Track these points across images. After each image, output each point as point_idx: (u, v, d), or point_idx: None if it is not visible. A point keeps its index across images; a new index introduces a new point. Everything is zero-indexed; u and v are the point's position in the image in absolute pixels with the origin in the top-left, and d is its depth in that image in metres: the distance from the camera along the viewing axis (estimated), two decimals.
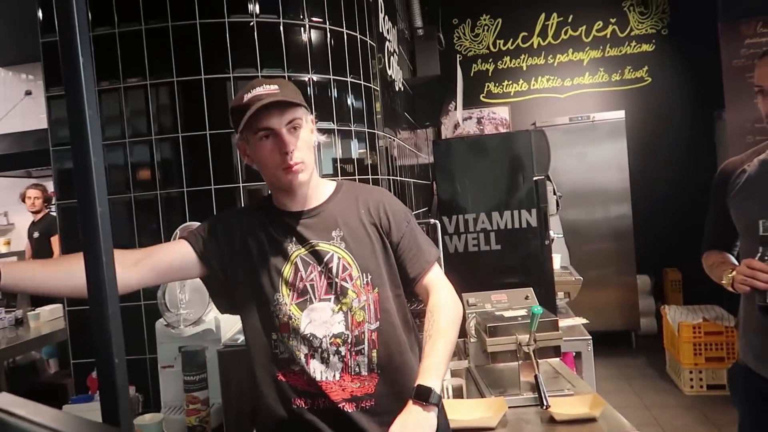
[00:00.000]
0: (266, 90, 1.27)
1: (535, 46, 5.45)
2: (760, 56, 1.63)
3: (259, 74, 2.17)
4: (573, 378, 1.89)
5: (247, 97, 1.26)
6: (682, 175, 5.06)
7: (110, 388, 0.57)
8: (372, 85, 2.58)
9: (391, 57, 3.04)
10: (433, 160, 2.64)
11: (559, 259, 2.89)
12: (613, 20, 5.29)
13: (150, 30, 2.15)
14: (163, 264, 1.29)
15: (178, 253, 1.31)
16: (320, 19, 2.34)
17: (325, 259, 1.32)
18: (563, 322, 1.92)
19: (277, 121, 1.25)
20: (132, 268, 1.23)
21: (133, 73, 2.18)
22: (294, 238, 1.33)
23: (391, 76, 3.02)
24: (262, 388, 1.31)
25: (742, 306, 1.71)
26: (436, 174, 2.64)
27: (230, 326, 1.81)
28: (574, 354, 2.41)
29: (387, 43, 2.92)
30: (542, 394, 1.60)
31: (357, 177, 2.42)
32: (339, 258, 1.32)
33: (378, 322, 1.33)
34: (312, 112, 2.26)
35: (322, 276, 1.31)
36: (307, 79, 2.27)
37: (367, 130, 2.51)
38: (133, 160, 2.19)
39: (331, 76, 2.34)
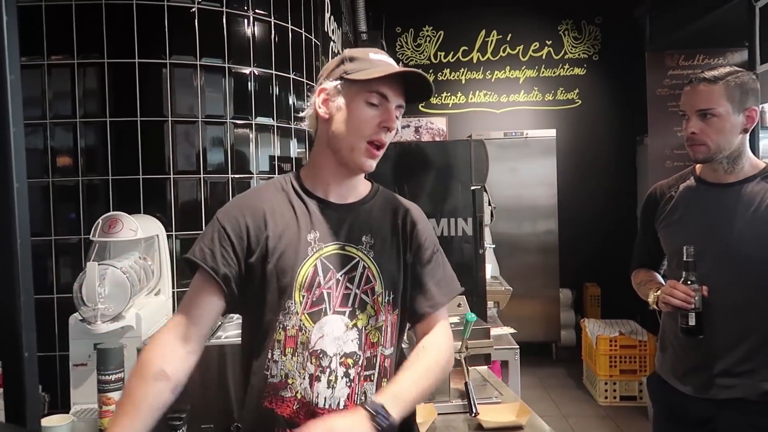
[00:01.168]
0: (389, 60, 1.18)
1: (475, 60, 5.57)
2: (684, 86, 1.71)
3: (198, 63, 2.09)
4: (500, 386, 1.92)
5: (380, 56, 1.17)
6: (606, 195, 5.31)
7: (17, 384, 0.51)
8: (315, 84, 2.54)
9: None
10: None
11: (490, 269, 2.94)
12: (549, 42, 5.48)
13: (81, 5, 2.02)
14: (208, 330, 1.15)
15: (214, 311, 1.13)
16: (265, 12, 2.28)
17: (349, 266, 1.17)
18: (492, 331, 1.94)
19: (396, 96, 1.15)
20: (188, 356, 1.10)
21: (60, 50, 2.03)
22: (320, 234, 1.16)
23: None
24: (244, 412, 1.17)
25: (664, 323, 1.79)
26: (373, 179, 2.63)
27: (153, 323, 1.71)
28: (500, 362, 2.45)
29: (332, 43, 2.89)
30: (472, 402, 1.61)
31: None
32: (365, 267, 1.18)
33: (392, 348, 1.21)
34: (252, 107, 2.22)
35: (340, 284, 1.16)
36: (248, 72, 2.21)
37: (307, 129, 2.47)
38: (54, 144, 2.04)
39: (274, 72, 2.29)
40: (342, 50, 3.32)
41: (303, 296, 1.13)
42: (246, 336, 1.20)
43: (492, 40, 5.54)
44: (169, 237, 2.00)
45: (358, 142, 1.13)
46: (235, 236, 1.13)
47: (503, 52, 5.53)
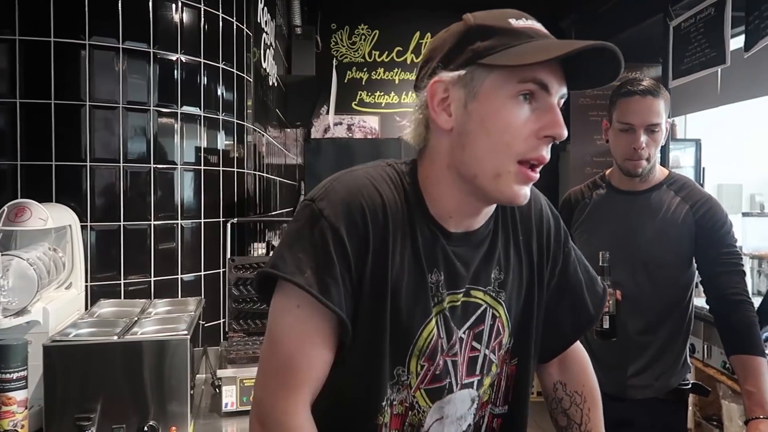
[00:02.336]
0: (541, 28, 0.81)
1: (409, 61, 5.62)
2: (621, 95, 1.65)
3: (120, 46, 1.99)
4: None
5: (523, 21, 0.79)
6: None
7: None
8: (245, 76, 2.48)
9: (267, 50, 2.95)
10: (303, 159, 2.60)
11: None
12: None
13: None
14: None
15: (327, 363, 0.81)
16: None
17: (475, 317, 0.87)
18: None
19: (560, 83, 0.78)
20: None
21: None
22: (444, 278, 0.84)
23: (265, 69, 2.93)
24: None
25: None
26: (305, 173, 2.60)
27: (62, 318, 1.61)
28: None
29: (264, 35, 2.84)
30: None
31: (221, 169, 2.31)
32: (494, 316, 0.89)
33: (507, 407, 0.94)
34: (178, 96, 2.14)
35: (465, 345, 0.87)
36: (174, 59, 2.12)
37: (236, 121, 2.41)
38: None
39: (202, 60, 2.21)
40: (275, 43, 3.26)
41: (421, 367, 0.84)
42: (323, 404, 0.82)
43: (426, 43, 5.61)
44: (83, 228, 1.89)
45: (506, 162, 0.77)
46: (355, 253, 0.78)
47: None
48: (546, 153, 0.78)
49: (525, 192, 0.80)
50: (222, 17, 2.31)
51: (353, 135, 5.55)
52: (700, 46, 2.77)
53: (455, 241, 0.85)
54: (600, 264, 1.63)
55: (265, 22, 2.87)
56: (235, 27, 2.39)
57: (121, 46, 1.98)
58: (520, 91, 0.76)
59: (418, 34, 5.61)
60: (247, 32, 2.50)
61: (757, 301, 1.86)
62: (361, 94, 5.61)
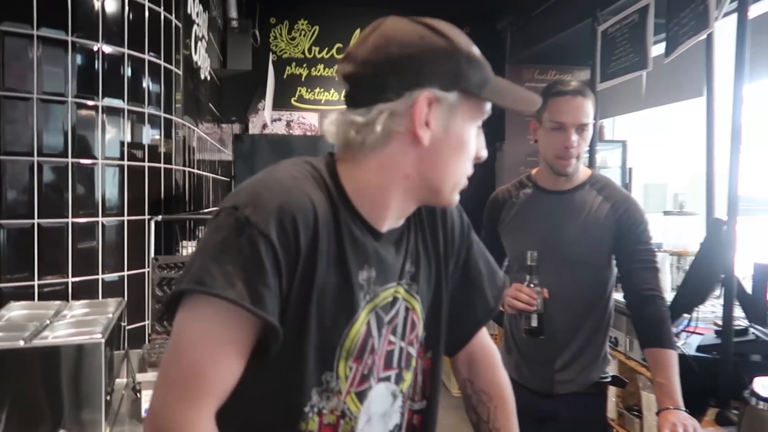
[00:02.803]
0: None
1: None
2: (552, 94, 1.68)
3: (35, 33, 1.88)
4: None
5: (479, 52, 0.85)
6: (469, 198, 5.56)
7: None
8: (173, 68, 2.40)
9: (199, 42, 2.87)
10: (233, 155, 2.54)
11: None
12: None
13: None
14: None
15: (236, 375, 0.77)
16: None
17: (394, 311, 0.88)
18: None
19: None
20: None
21: None
22: (375, 274, 0.85)
23: (197, 62, 2.84)
24: None
25: (507, 325, 1.89)
26: (236, 170, 2.54)
27: None
28: None
29: (195, 26, 2.75)
30: None
31: (147, 165, 2.22)
32: (408, 309, 0.90)
33: (425, 402, 0.96)
34: (99, 87, 2.04)
35: (385, 338, 0.87)
36: (96, 48, 2.02)
37: (163, 115, 2.32)
38: None
39: (126, 50, 2.12)
40: (207, 35, 3.17)
41: (350, 369, 0.82)
42: (243, 411, 0.80)
43: None
44: None
45: (464, 178, 0.87)
46: (286, 259, 0.75)
47: None
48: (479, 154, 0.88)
49: (457, 199, 0.89)
50: (148, 6, 2.22)
51: (292, 131, 5.48)
52: (625, 50, 2.88)
53: (382, 239, 0.86)
54: (528, 263, 1.65)
55: (197, 13, 2.78)
56: (162, 17, 2.31)
57: (35, 32, 1.88)
58: (479, 123, 0.86)
59: (358, 30, 5.58)
60: (176, 23, 2.42)
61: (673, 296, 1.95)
62: (300, 90, 5.54)
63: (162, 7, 2.30)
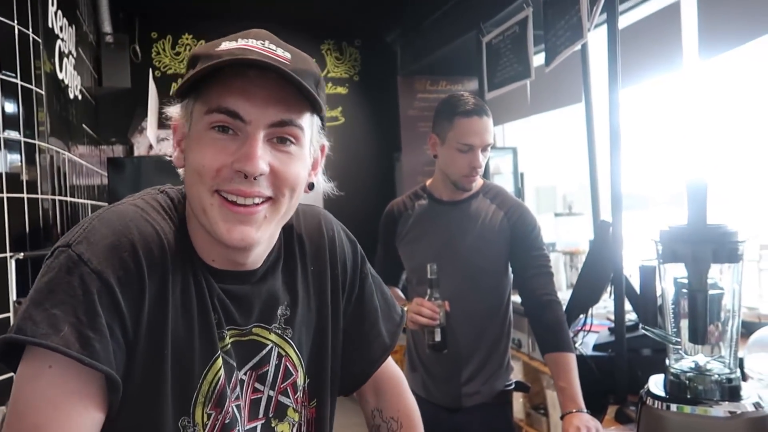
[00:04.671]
0: (263, 47, 0.71)
1: None
2: (459, 114, 1.65)
3: None
4: None
5: (225, 46, 0.71)
6: (367, 209, 5.56)
7: None
8: (34, 87, 2.16)
9: (65, 59, 2.62)
10: (109, 181, 2.33)
11: None
12: (312, 60, 5.59)
13: None
14: None
15: (94, 428, 0.67)
16: None
17: (259, 358, 0.81)
18: None
19: (260, 110, 0.70)
20: None
21: None
22: (221, 317, 0.77)
23: (64, 80, 2.60)
24: None
25: (411, 341, 1.85)
26: (110, 196, 2.33)
27: None
28: None
29: (59, 42, 2.51)
30: None
31: (5, 196, 1.97)
32: (281, 355, 0.83)
33: None
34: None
35: (247, 387, 0.80)
36: None
37: (23, 139, 2.08)
38: None
39: None
40: (76, 50, 2.92)
41: (209, 416, 0.75)
42: None
43: None
44: None
45: (204, 195, 0.72)
46: (128, 300, 0.68)
47: None
48: (242, 186, 0.71)
49: (239, 232, 0.71)
50: None
51: None
52: (509, 61, 2.98)
53: (225, 279, 0.78)
54: (428, 276, 1.63)
55: (61, 27, 2.54)
56: (17, 31, 2.07)
57: None
58: (211, 123, 0.71)
59: None
60: (34, 38, 2.18)
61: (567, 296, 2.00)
62: None
63: (15, 21, 2.06)
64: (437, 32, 4.18)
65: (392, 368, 1.04)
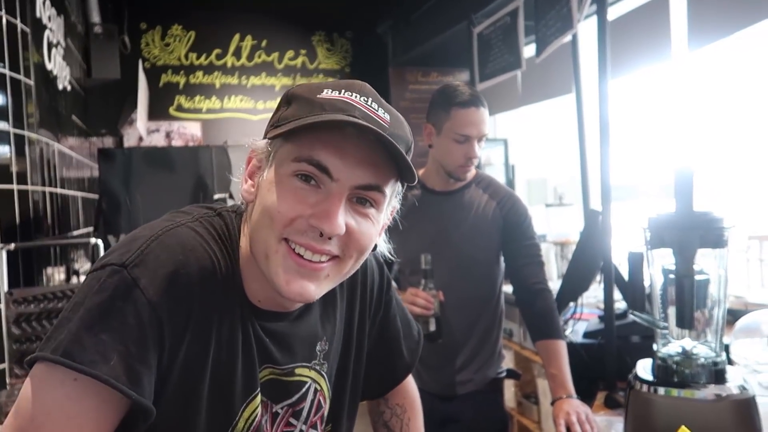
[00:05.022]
0: (365, 105, 0.69)
1: (229, 65, 5.39)
2: (456, 104, 1.65)
3: None
4: None
5: (327, 94, 0.69)
6: None
7: None
8: (23, 78, 2.15)
9: (54, 49, 2.60)
10: (100, 173, 2.31)
11: None
12: (303, 52, 5.57)
13: None
14: None
15: None
16: None
17: (298, 396, 0.81)
18: None
19: (349, 170, 0.68)
20: None
21: None
22: (260, 355, 0.76)
23: (52, 71, 2.58)
24: None
25: None
26: (101, 187, 2.32)
27: None
28: None
29: (47, 32, 2.49)
30: None
31: None
32: (316, 391, 0.83)
33: None
34: None
35: (281, 421, 0.80)
36: None
37: (12, 130, 2.07)
38: None
39: None
40: (64, 41, 2.89)
41: None
42: None
43: (246, 45, 5.43)
44: None
45: (271, 241, 0.69)
46: (172, 333, 0.66)
47: (258, 58, 5.46)
48: (313, 242, 0.68)
49: (299, 286, 0.69)
50: None
51: (172, 142, 5.19)
52: (500, 51, 2.99)
53: (265, 317, 0.76)
54: (423, 266, 1.63)
55: (49, 17, 2.52)
56: (4, 21, 2.06)
57: None
58: (295, 171, 0.68)
59: (237, 36, 5.40)
60: (22, 28, 2.16)
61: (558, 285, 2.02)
62: (179, 99, 5.26)
63: (3, 10, 2.05)
64: (428, 23, 4.18)
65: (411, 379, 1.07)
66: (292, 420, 0.81)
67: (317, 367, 0.82)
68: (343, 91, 0.70)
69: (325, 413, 0.85)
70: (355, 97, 0.69)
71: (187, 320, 0.67)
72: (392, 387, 1.00)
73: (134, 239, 0.68)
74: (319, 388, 0.83)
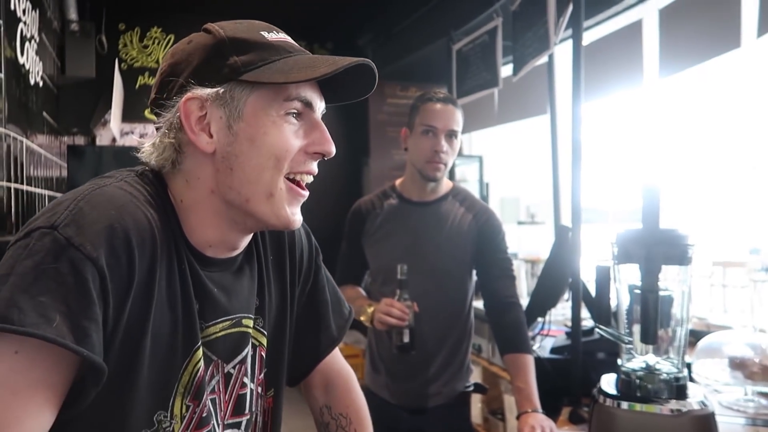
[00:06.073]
0: (292, 42, 0.79)
1: None
2: (424, 101, 1.72)
3: None
4: None
5: (274, 33, 0.77)
6: (334, 211, 5.55)
7: None
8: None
9: (27, 43, 2.55)
10: (69, 170, 2.26)
11: None
12: None
13: None
14: None
15: (46, 426, 0.63)
16: None
17: (246, 351, 0.82)
18: None
19: (319, 98, 0.79)
20: None
21: None
22: (205, 307, 0.76)
23: (24, 65, 2.53)
24: None
25: (373, 341, 1.84)
26: (69, 185, 2.27)
27: None
28: None
29: (21, 24, 2.44)
30: None
31: None
32: (256, 347, 0.84)
33: None
34: None
35: (236, 381, 0.80)
36: None
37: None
38: None
39: None
40: (39, 36, 2.84)
41: (187, 407, 0.74)
42: None
43: None
44: None
45: (277, 180, 0.75)
46: (115, 289, 0.65)
47: None
48: (314, 167, 0.79)
49: (299, 216, 0.78)
50: None
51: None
52: (478, 69, 3.03)
53: (214, 268, 0.78)
54: (398, 277, 1.63)
55: (24, 10, 2.47)
56: None
57: None
58: (288, 110, 0.75)
59: None
60: None
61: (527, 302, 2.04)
62: None
63: None
64: (409, 38, 4.22)
65: (341, 364, 1.05)
66: (245, 380, 0.81)
67: (253, 321, 0.83)
68: (274, 32, 0.78)
69: (264, 375, 0.86)
70: (283, 35, 0.79)
71: (130, 274, 0.66)
72: (315, 362, 0.99)
73: (58, 204, 0.67)
74: (257, 343, 0.84)
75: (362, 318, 1.69)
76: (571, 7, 1.99)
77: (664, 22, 2.70)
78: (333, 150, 0.79)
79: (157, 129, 0.78)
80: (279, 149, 0.74)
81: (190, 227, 0.76)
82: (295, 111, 0.76)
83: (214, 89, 0.73)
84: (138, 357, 0.68)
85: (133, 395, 0.69)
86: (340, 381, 1.02)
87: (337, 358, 1.03)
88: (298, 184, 0.77)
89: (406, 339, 1.61)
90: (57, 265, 0.61)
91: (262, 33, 0.76)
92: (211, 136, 0.74)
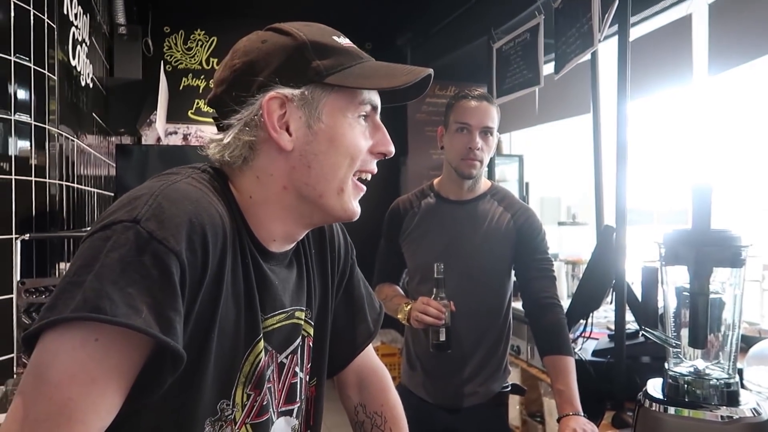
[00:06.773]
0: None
1: None
2: (458, 98, 1.73)
3: None
4: None
5: (343, 39, 0.82)
6: (375, 210, 5.57)
7: None
8: (47, 73, 2.18)
9: (79, 46, 2.64)
10: (117, 168, 2.33)
11: None
12: None
13: None
14: None
15: (115, 411, 0.65)
16: None
17: (297, 341, 0.86)
18: None
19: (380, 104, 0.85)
20: None
21: None
22: (266, 299, 0.80)
23: (76, 67, 2.62)
24: None
25: (410, 339, 1.84)
26: (117, 183, 2.34)
27: None
28: None
29: (73, 29, 2.53)
30: None
31: (14, 178, 1.99)
32: (305, 338, 0.88)
33: None
34: None
35: (288, 371, 0.85)
36: None
37: (34, 123, 2.10)
38: None
39: None
40: (89, 39, 2.94)
41: (248, 396, 0.77)
42: None
43: None
44: None
45: (348, 177, 0.80)
46: (192, 281, 0.67)
47: None
48: (375, 166, 0.85)
49: (359, 208, 0.83)
50: (15, 4, 2.00)
51: (189, 145, 5.23)
52: (519, 68, 2.99)
53: (273, 262, 0.82)
54: (435, 276, 1.62)
55: (75, 14, 2.56)
56: (32, 16, 2.09)
57: None
58: (361, 113, 0.80)
59: None
60: (49, 23, 2.20)
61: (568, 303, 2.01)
62: (198, 103, 5.31)
63: (32, 6, 2.08)
64: (448, 37, 4.19)
65: (376, 362, 1.06)
66: (296, 369, 0.85)
67: (302, 313, 0.87)
68: (342, 37, 0.82)
69: (310, 364, 0.89)
70: (349, 41, 0.83)
71: (204, 268, 0.68)
72: (353, 355, 1.01)
73: (135, 198, 0.68)
74: (306, 333, 0.87)
75: (399, 316, 1.69)
76: (617, 3, 1.95)
77: (714, 18, 2.61)
78: (393, 151, 0.84)
79: (221, 127, 0.79)
80: (354, 149, 0.79)
81: (257, 222, 0.79)
82: (365, 114, 0.81)
83: (298, 90, 0.76)
84: (206, 348, 0.70)
85: (201, 385, 0.71)
86: (374, 379, 1.04)
87: (371, 356, 1.05)
88: (363, 180, 0.83)
89: (443, 338, 1.60)
90: (141, 258, 0.62)
91: (334, 38, 0.80)
92: (290, 134, 0.77)
